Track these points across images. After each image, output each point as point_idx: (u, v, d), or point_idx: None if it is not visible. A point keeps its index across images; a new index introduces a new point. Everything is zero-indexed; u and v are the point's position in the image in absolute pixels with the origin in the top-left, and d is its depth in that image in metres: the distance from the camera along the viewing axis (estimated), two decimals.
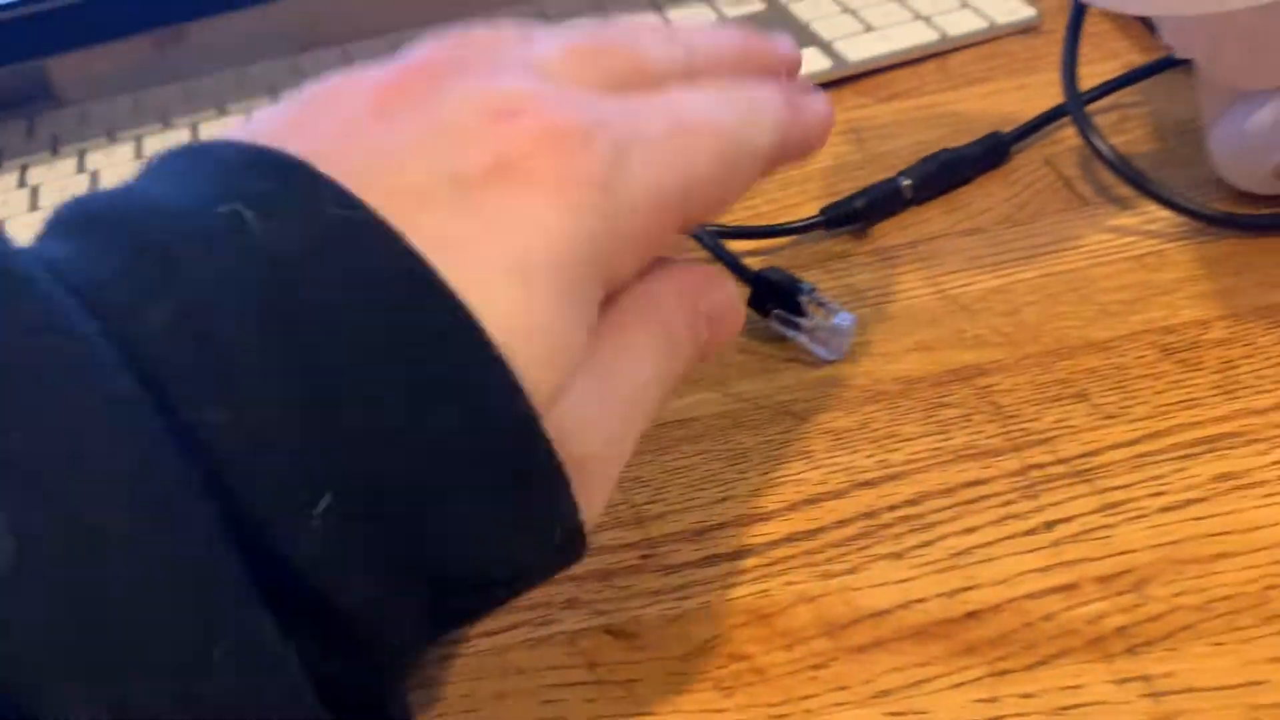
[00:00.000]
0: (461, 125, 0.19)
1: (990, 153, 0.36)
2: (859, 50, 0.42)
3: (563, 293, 0.18)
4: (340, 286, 0.17)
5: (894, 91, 0.41)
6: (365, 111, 0.20)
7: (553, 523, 0.18)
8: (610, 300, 0.21)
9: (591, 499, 0.19)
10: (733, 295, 0.23)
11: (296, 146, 0.18)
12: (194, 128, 0.44)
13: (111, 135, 0.45)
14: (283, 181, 0.18)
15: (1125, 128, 0.36)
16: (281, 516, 0.16)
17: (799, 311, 0.30)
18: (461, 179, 0.18)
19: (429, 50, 0.21)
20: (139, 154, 0.43)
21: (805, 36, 0.43)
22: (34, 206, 0.41)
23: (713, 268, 0.25)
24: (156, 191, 0.18)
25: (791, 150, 0.24)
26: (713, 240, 0.33)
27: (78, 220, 0.18)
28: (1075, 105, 0.33)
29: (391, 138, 0.19)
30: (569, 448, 0.18)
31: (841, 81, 0.42)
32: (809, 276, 0.33)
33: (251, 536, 0.16)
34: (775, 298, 0.31)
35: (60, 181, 0.43)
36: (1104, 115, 0.37)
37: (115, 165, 0.43)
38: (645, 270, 0.22)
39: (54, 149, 0.45)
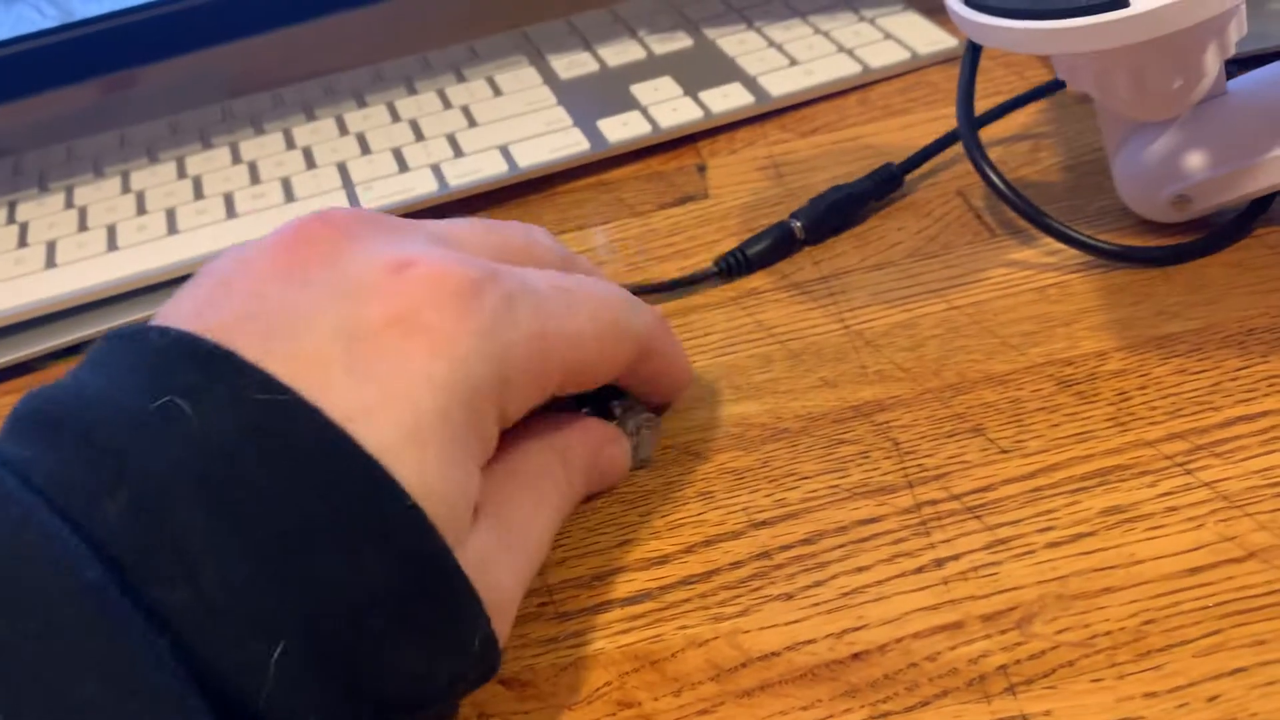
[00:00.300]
0: (364, 280, 0.22)
1: (882, 184, 0.36)
2: (782, 85, 0.43)
3: (452, 441, 0.21)
4: (273, 464, 0.19)
5: (815, 125, 0.41)
6: (274, 276, 0.22)
7: (473, 636, 0.21)
8: (519, 444, 0.25)
9: (500, 629, 0.22)
10: (625, 452, 0.28)
11: (216, 319, 0.21)
12: (125, 176, 0.45)
13: (43, 185, 0.45)
14: (208, 373, 0.20)
15: (1038, 158, 0.37)
16: (241, 669, 0.18)
17: (608, 415, 0.28)
18: (360, 335, 0.21)
19: (329, 217, 0.24)
20: (69, 203, 0.44)
21: (731, 71, 0.44)
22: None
23: (613, 428, 0.28)
24: (98, 385, 0.21)
25: (654, 363, 0.28)
26: None
27: (33, 421, 0.20)
28: (968, 133, 0.34)
29: (299, 299, 0.22)
30: (478, 582, 0.21)
31: (765, 116, 0.42)
32: (721, 313, 0.33)
33: (217, 688, 0.18)
34: (588, 400, 0.28)
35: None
36: (1016, 143, 0.37)
37: (46, 215, 0.43)
38: (556, 422, 0.26)
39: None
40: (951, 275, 0.33)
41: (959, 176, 0.37)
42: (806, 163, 0.39)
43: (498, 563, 0.22)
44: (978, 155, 0.33)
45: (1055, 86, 0.38)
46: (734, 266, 0.34)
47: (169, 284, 0.39)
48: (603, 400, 0.28)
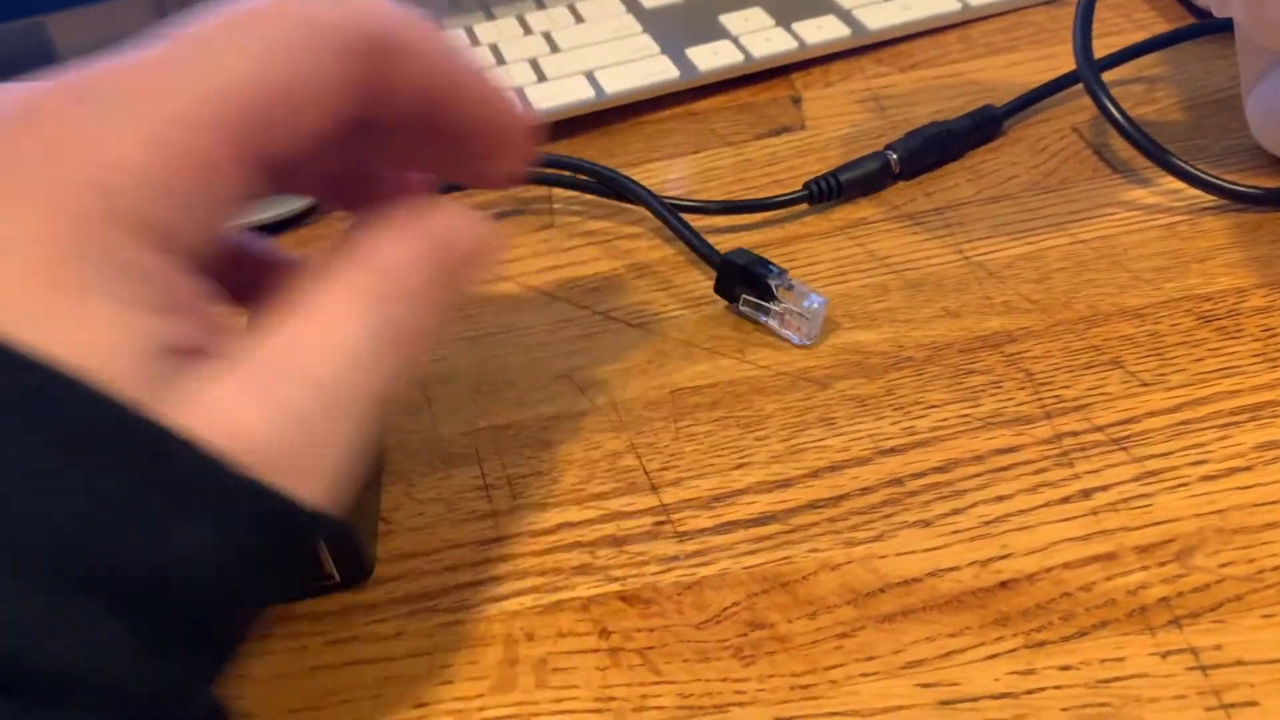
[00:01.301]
0: None
1: (980, 126, 0.35)
2: (880, 19, 0.41)
3: (81, 289, 0.16)
4: None
5: (915, 60, 0.40)
6: None
7: (211, 487, 0.16)
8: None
9: (307, 477, 0.17)
10: (486, 233, 0.21)
11: None
12: None
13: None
14: None
15: (1155, 98, 0.35)
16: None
17: (768, 296, 0.29)
18: None
19: None
20: None
21: (823, 4, 0.42)
22: None
23: (455, 205, 0.21)
24: None
25: (408, 67, 0.20)
26: (676, 219, 0.32)
27: None
28: (1089, 72, 0.32)
29: None
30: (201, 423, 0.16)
31: (861, 50, 0.41)
32: (829, 243, 0.32)
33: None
34: (743, 281, 0.29)
35: None
36: (1131, 86, 0.36)
37: None
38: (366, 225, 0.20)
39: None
40: (1073, 210, 0.31)
41: (1071, 114, 0.35)
42: (908, 97, 0.38)
43: (241, 400, 0.17)
44: (1100, 93, 0.32)
45: (1181, 36, 0.36)
46: (824, 191, 0.33)
47: None
48: (757, 277, 0.27)
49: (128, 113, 0.18)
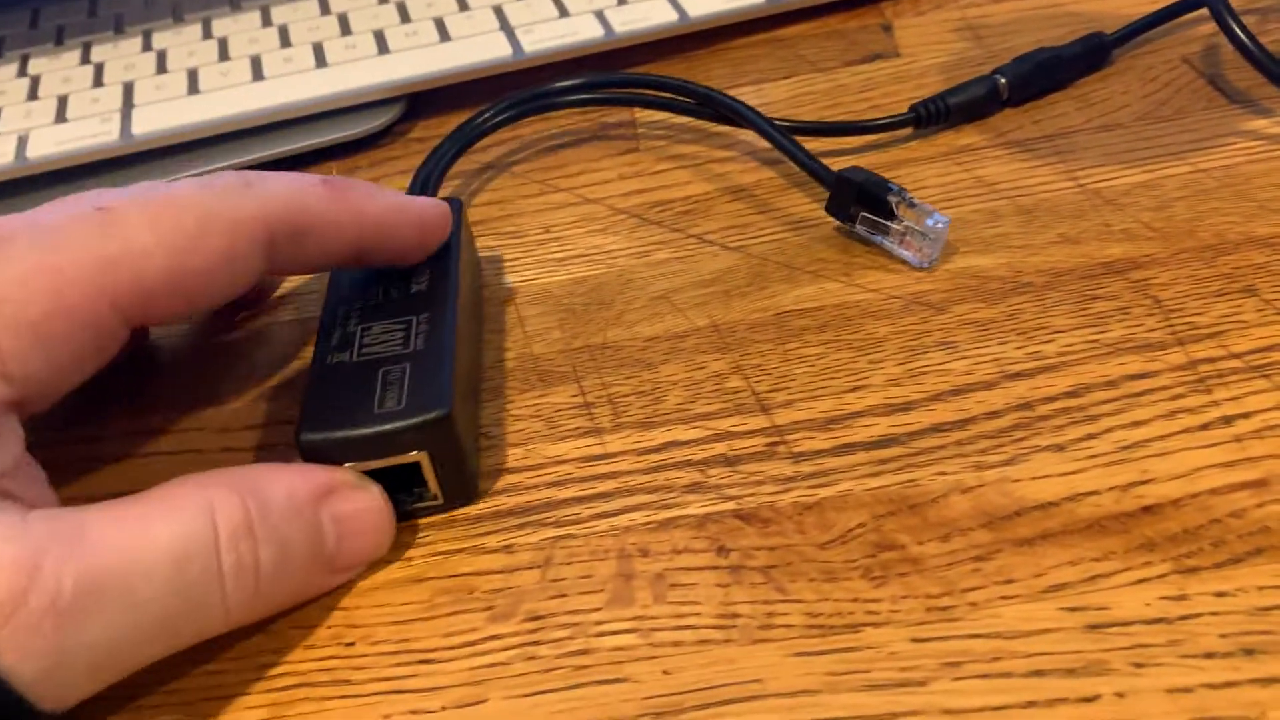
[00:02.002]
0: None
1: (1090, 53, 0.33)
2: None
3: None
4: None
5: None
6: None
7: None
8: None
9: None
10: (374, 503, 0.22)
11: None
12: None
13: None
14: None
15: (1267, 29, 0.34)
16: None
17: (887, 214, 0.28)
18: None
19: None
20: (267, 21, 0.41)
21: None
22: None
23: (349, 473, 0.22)
24: None
25: (317, 237, 0.23)
26: (785, 137, 0.30)
27: None
28: None
29: None
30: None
31: None
32: (934, 168, 0.31)
33: None
34: (859, 200, 0.28)
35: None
36: (1245, 17, 0.34)
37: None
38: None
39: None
40: (1191, 139, 0.30)
41: (1178, 45, 0.34)
42: (1005, 26, 0.36)
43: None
44: (1227, 15, 0.30)
45: None
46: (932, 114, 0.31)
47: (314, 118, 0.36)
48: (876, 195, 0.26)
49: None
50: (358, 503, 0.22)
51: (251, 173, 0.23)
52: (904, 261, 0.27)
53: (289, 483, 0.20)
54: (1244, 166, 0.29)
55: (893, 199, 0.27)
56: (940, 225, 0.27)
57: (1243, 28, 0.30)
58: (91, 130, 0.36)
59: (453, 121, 0.37)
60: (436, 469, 0.22)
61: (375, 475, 0.22)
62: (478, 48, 0.38)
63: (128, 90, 0.38)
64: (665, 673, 0.20)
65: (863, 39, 0.37)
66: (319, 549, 0.21)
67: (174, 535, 0.18)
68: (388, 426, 0.22)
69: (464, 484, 0.23)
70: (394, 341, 0.24)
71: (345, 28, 0.40)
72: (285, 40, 0.40)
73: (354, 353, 0.24)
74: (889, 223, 0.28)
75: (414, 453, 0.22)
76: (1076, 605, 0.20)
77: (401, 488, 0.23)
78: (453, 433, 0.22)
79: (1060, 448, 0.22)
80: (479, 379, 0.27)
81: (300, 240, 0.23)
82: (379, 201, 0.24)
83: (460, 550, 0.23)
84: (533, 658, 0.20)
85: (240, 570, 0.19)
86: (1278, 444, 0.22)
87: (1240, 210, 0.27)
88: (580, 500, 0.23)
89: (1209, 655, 0.18)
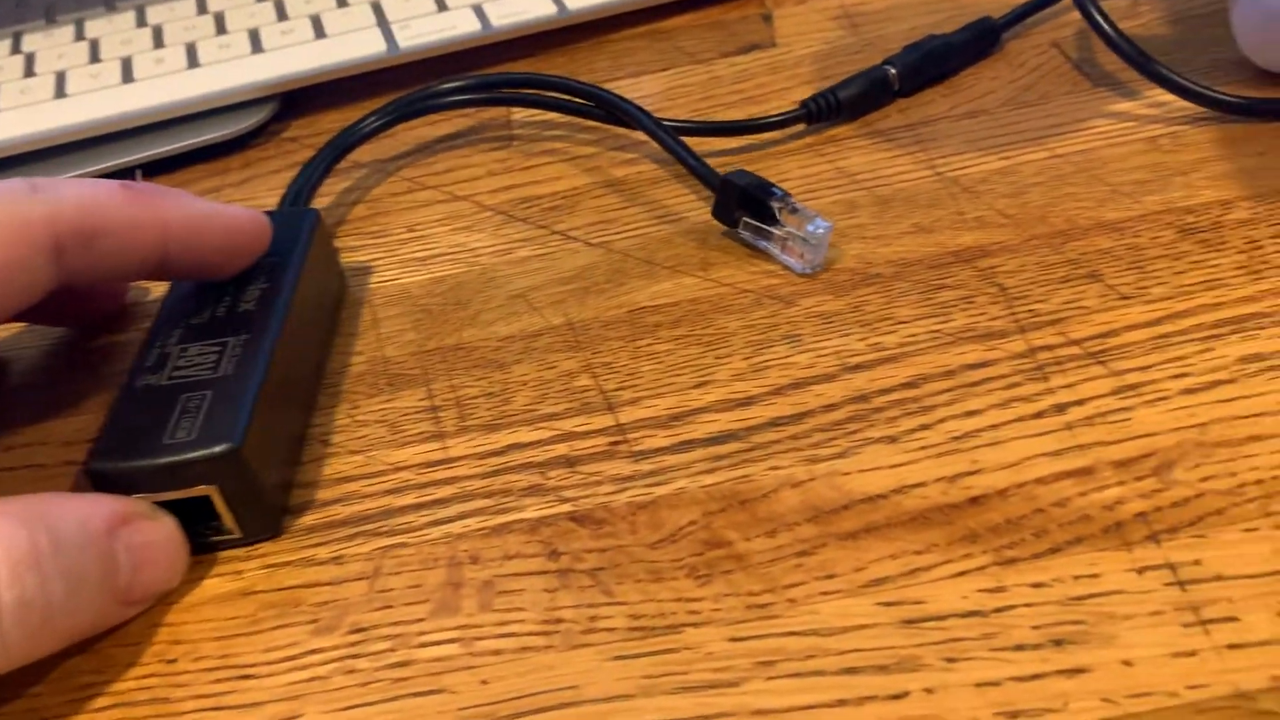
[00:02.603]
0: None
1: (980, 39, 0.33)
2: None
3: None
4: None
5: None
6: None
7: None
8: None
9: None
10: (167, 533, 0.21)
11: None
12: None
13: (110, 4, 0.42)
14: None
15: (1138, 12, 0.34)
16: None
17: (770, 219, 0.27)
18: None
19: None
20: (141, 21, 0.40)
21: None
22: (29, 72, 0.38)
23: (142, 503, 0.21)
24: None
25: (110, 241, 0.23)
26: (672, 138, 0.30)
27: None
28: None
29: None
30: None
31: None
32: (798, 159, 0.31)
33: None
34: (742, 204, 0.28)
35: (58, 49, 0.39)
36: (1116, 0, 0.35)
37: (116, 33, 0.40)
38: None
39: (49, 17, 0.42)
40: (1051, 124, 0.30)
41: (1050, 29, 0.34)
42: (882, 14, 0.36)
43: None
44: (1088, 5, 0.30)
45: None
46: (823, 109, 0.31)
47: (184, 120, 0.36)
48: (758, 200, 0.26)
49: None
50: (151, 534, 0.21)
51: (40, 178, 0.22)
52: (788, 267, 0.27)
53: (81, 512, 0.20)
54: (1101, 150, 0.29)
55: (775, 204, 0.27)
56: (821, 231, 0.26)
57: (1101, 13, 0.30)
58: None
59: (327, 119, 0.37)
60: (230, 503, 0.22)
61: (171, 507, 0.22)
62: (353, 44, 0.37)
63: None
64: (483, 682, 0.19)
65: (742, 29, 0.37)
66: (112, 581, 0.20)
67: None
68: (174, 459, 0.21)
69: (267, 517, 0.22)
70: (205, 365, 0.23)
71: (221, 27, 0.39)
72: (159, 40, 0.39)
73: (164, 375, 0.23)
74: (772, 228, 0.27)
75: (201, 486, 0.21)
76: (894, 600, 0.19)
77: (200, 519, 0.22)
78: (244, 467, 0.21)
79: (893, 439, 0.22)
80: (315, 389, 0.26)
81: (93, 244, 0.22)
82: (185, 208, 0.24)
83: (290, 562, 0.22)
84: (352, 671, 0.20)
85: (23, 606, 0.18)
86: (1108, 431, 0.22)
87: (1093, 195, 0.27)
88: (416, 507, 0.23)
89: (1019, 647, 0.18)
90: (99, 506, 0.20)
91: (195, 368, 0.23)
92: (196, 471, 0.21)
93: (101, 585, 0.20)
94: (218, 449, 0.21)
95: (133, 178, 0.26)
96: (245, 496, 0.22)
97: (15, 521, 0.19)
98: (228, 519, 0.22)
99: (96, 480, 0.21)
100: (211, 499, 0.21)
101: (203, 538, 0.22)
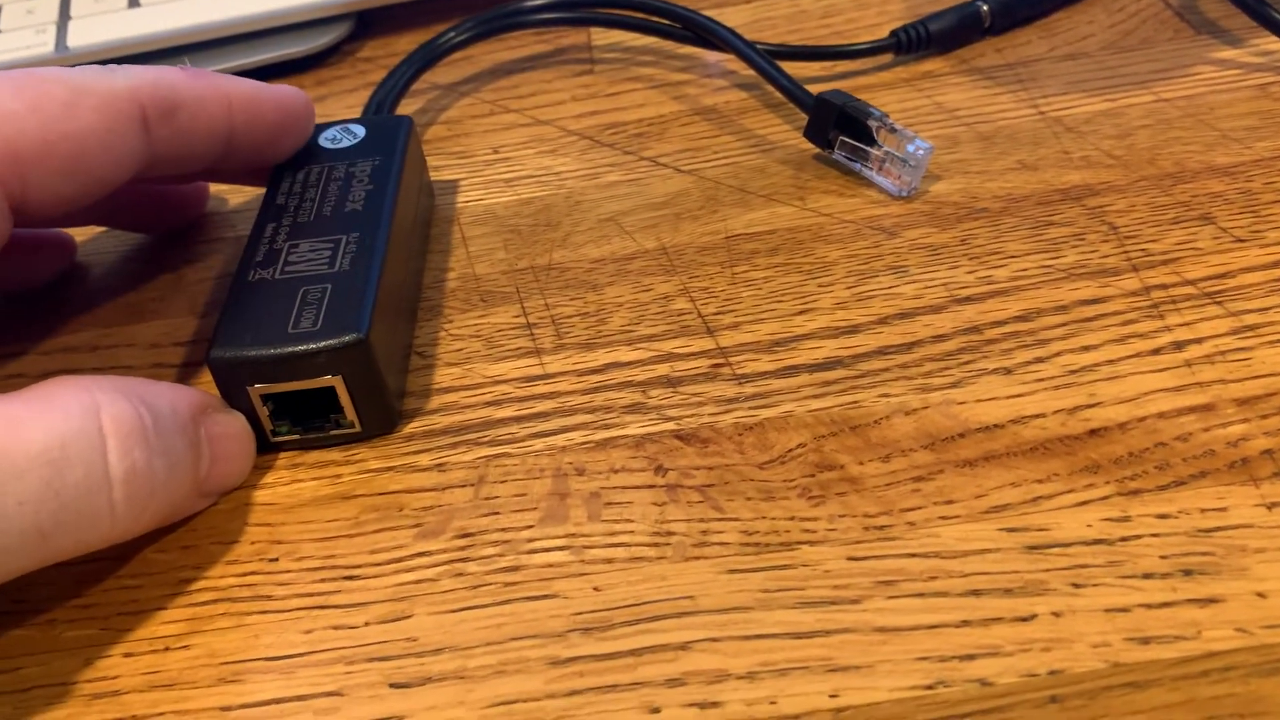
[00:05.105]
0: None
1: None
2: None
3: None
4: None
5: None
6: None
7: None
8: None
9: None
10: (241, 427, 0.22)
11: None
12: None
13: None
14: None
15: None
16: None
17: (867, 139, 0.27)
18: None
19: None
20: None
21: None
22: None
23: (216, 397, 0.21)
24: None
25: (184, 118, 0.23)
26: (765, 60, 0.29)
27: None
28: None
29: None
30: None
31: None
32: (894, 94, 0.30)
33: None
34: (838, 124, 0.27)
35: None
36: None
37: None
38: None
39: None
40: (1155, 69, 0.29)
41: None
42: None
43: None
44: None
45: None
46: (913, 40, 0.30)
47: (258, 34, 0.35)
48: (855, 119, 0.25)
49: None
50: (227, 426, 0.21)
51: (112, 64, 0.22)
52: (883, 190, 0.27)
53: (171, 396, 0.20)
54: (1208, 96, 0.28)
55: (873, 123, 0.27)
56: (921, 152, 0.26)
57: None
58: (25, 42, 0.35)
59: (401, 41, 0.36)
60: (353, 395, 0.21)
61: (289, 399, 0.21)
62: None
63: (64, 2, 0.36)
64: (596, 589, 0.19)
65: None
66: (196, 467, 0.20)
67: (50, 435, 0.17)
68: (300, 348, 0.21)
69: (385, 413, 0.22)
70: (319, 260, 0.23)
71: None
72: None
73: (277, 270, 0.23)
74: (869, 148, 0.27)
75: (328, 377, 0.21)
76: (1017, 526, 0.19)
77: (317, 414, 0.22)
78: (369, 358, 0.21)
79: (1008, 371, 0.22)
80: (416, 300, 0.26)
81: (172, 117, 0.22)
82: (240, 83, 0.24)
83: (390, 468, 0.22)
84: (461, 574, 0.20)
85: (133, 477, 0.18)
86: (1227, 369, 0.21)
87: (1202, 139, 0.27)
88: (517, 420, 0.23)
89: (1148, 576, 0.18)
90: (185, 394, 0.20)
91: (310, 263, 0.23)
92: (324, 362, 0.21)
93: (190, 470, 0.20)
94: (346, 338, 0.21)
95: (182, 65, 0.26)
96: (369, 389, 0.21)
97: (121, 395, 0.18)
98: (350, 412, 0.22)
99: (219, 369, 0.21)
100: (336, 390, 0.21)
101: (320, 430, 0.22)
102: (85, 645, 0.20)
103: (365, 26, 0.37)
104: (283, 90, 0.25)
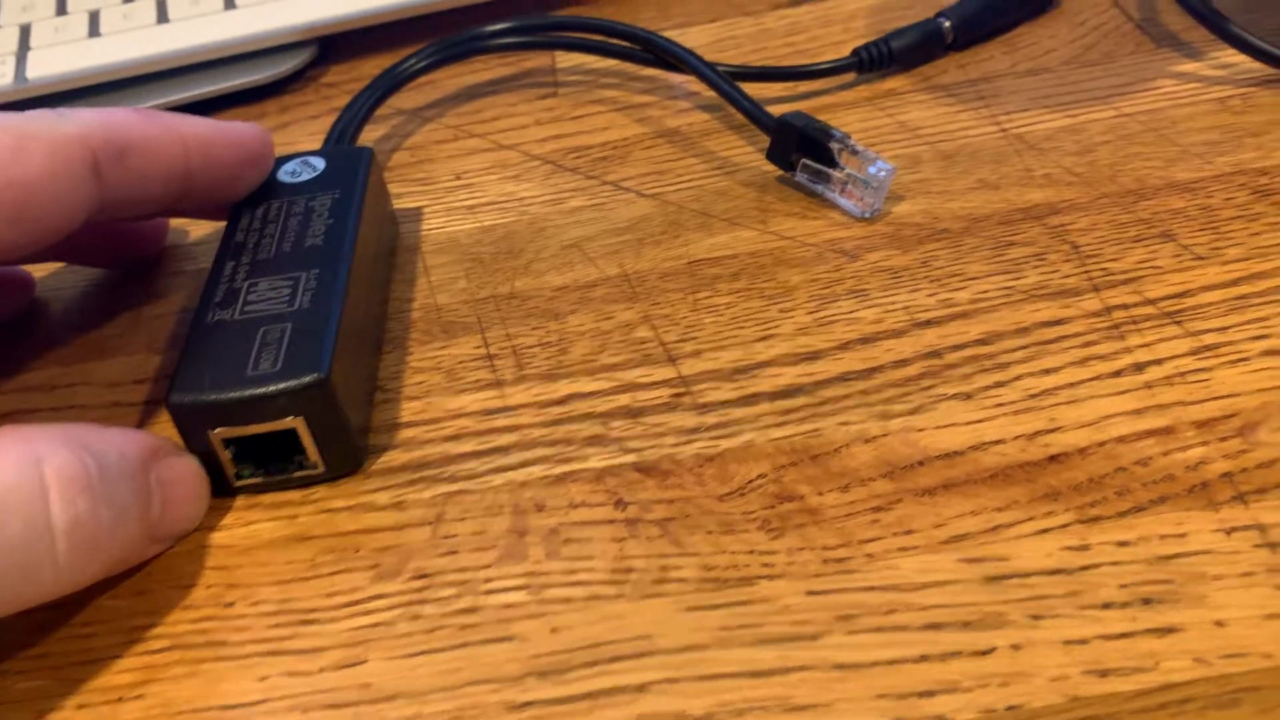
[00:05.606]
0: None
1: None
2: None
3: None
4: None
5: None
6: None
7: None
8: None
9: None
10: (194, 470, 0.21)
11: None
12: None
13: None
14: None
15: None
16: None
17: (828, 161, 0.27)
18: None
19: None
20: (61, 10, 0.39)
21: None
22: (62, 11, 0.37)
23: (170, 441, 0.21)
24: None
25: (137, 160, 0.23)
26: (726, 82, 0.29)
27: None
28: None
29: None
30: None
31: None
32: (856, 113, 0.30)
33: None
34: (800, 146, 0.27)
35: None
36: None
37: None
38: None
39: None
40: (1117, 83, 0.29)
41: None
42: None
43: None
44: None
45: None
46: (874, 59, 0.30)
47: (220, 62, 0.35)
48: (817, 141, 0.25)
49: None
50: (179, 471, 0.21)
51: (62, 108, 0.22)
52: (846, 212, 0.27)
53: (119, 442, 0.19)
54: (1169, 111, 0.28)
55: (834, 146, 0.26)
56: (883, 174, 0.26)
57: None
58: None
59: (366, 65, 0.36)
60: (316, 435, 0.21)
61: (252, 442, 0.21)
62: None
63: (24, 32, 0.36)
64: (553, 630, 0.19)
65: None
66: (146, 514, 0.20)
67: None
68: (260, 390, 0.21)
69: (349, 451, 0.22)
70: (279, 299, 0.22)
71: None
72: None
73: (236, 310, 0.22)
74: (831, 171, 0.27)
75: (289, 418, 0.21)
76: (976, 556, 0.19)
77: (281, 455, 0.22)
78: (331, 398, 0.21)
79: (968, 396, 0.22)
80: (380, 332, 0.25)
81: (124, 161, 0.22)
82: (196, 123, 0.24)
83: (348, 507, 0.22)
84: (417, 617, 0.20)
85: (77, 527, 0.18)
86: (1187, 391, 0.21)
87: (1163, 154, 0.27)
88: (477, 455, 0.22)
89: (1107, 606, 0.18)
90: (134, 439, 0.20)
91: (270, 302, 0.22)
92: (283, 403, 0.21)
93: (139, 517, 0.20)
94: (306, 379, 0.21)
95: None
96: (331, 428, 0.21)
97: (64, 445, 0.18)
98: (313, 453, 0.21)
99: (178, 414, 0.21)
100: (298, 431, 0.21)
101: (284, 472, 0.22)
102: (37, 697, 0.19)
103: (329, 51, 0.36)
104: (240, 128, 0.25)
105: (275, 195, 0.26)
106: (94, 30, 0.36)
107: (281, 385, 0.21)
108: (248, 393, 0.21)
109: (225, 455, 0.21)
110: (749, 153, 0.29)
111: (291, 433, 0.21)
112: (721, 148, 0.30)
